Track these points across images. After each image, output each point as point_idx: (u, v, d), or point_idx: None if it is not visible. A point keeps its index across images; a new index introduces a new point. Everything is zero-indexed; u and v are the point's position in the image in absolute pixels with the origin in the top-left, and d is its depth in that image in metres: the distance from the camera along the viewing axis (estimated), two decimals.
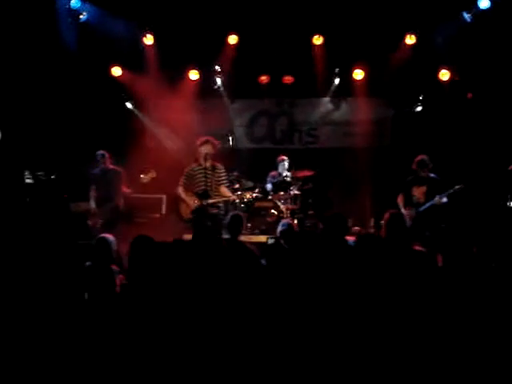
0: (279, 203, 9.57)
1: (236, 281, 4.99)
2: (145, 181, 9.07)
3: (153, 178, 9.14)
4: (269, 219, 9.46)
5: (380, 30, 10.09)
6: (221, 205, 8.33)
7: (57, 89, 10.07)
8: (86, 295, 5.51)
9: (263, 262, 5.61)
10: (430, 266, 5.06)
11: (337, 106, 11.89)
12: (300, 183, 9.94)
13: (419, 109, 11.17)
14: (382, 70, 10.73)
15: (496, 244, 7.28)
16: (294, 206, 9.70)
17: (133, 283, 4.88)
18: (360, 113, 11.63)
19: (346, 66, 11.01)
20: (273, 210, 9.50)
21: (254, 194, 8.57)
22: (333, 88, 11.52)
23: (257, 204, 9.55)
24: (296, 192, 9.70)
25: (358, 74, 10.94)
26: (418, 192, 8.48)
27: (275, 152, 10.86)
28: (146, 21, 10.15)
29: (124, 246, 6.12)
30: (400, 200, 8.64)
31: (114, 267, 5.68)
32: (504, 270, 5.32)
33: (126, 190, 9.18)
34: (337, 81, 11.34)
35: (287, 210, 9.56)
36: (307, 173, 10.03)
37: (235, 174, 9.91)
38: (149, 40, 10.40)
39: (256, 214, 9.50)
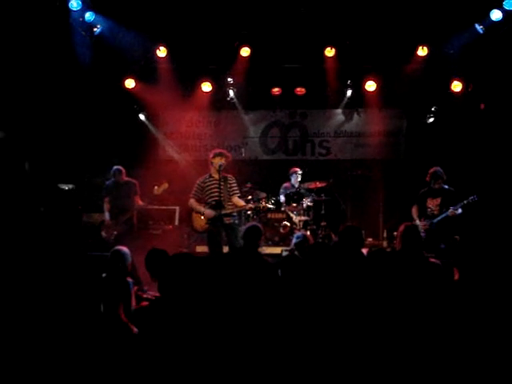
0: (292, 214, 9.60)
1: (254, 293, 5.01)
2: (157, 192, 9.11)
3: (165, 190, 9.17)
4: (282, 231, 9.48)
5: (392, 41, 10.10)
6: (235, 214, 8.35)
7: (71, 101, 10.14)
8: (102, 307, 5.54)
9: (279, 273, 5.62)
10: (446, 279, 5.05)
11: (349, 118, 11.93)
12: (313, 194, 9.96)
13: (431, 120, 11.19)
14: (394, 81, 10.77)
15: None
16: (307, 218, 9.71)
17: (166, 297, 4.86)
18: (372, 124, 11.67)
19: (358, 78, 11.05)
20: (286, 222, 9.52)
21: (269, 205, 8.58)
22: (345, 99, 11.57)
23: (270, 215, 9.59)
24: (309, 203, 9.71)
25: (370, 86, 10.96)
26: (432, 204, 8.46)
27: (288, 163, 10.91)
28: (159, 33, 10.20)
29: (138, 257, 6.16)
30: (414, 212, 8.62)
31: (129, 279, 5.71)
32: None
33: (140, 202, 9.17)
34: (349, 92, 11.39)
35: (300, 221, 9.58)
36: (320, 184, 10.04)
37: (248, 185, 9.95)
38: (162, 52, 10.45)
39: (269, 226, 9.54)
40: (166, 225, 10.32)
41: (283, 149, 12.16)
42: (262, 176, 11.20)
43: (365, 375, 4.39)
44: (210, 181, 8.22)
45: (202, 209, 8.12)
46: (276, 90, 11.52)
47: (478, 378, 4.31)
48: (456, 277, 5.05)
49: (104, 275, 5.76)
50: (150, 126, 11.72)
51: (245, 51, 10.37)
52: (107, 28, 9.75)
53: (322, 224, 9.89)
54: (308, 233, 8.98)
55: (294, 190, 10.03)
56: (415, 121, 11.55)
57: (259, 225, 6.17)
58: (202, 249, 9.05)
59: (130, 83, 10.86)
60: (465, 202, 8.11)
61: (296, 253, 6.17)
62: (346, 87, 11.31)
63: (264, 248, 8.33)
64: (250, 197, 9.49)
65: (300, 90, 11.45)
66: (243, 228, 6.33)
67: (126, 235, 8.63)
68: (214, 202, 8.03)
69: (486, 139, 10.16)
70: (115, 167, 9.20)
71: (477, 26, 9.55)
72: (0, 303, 5.93)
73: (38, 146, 9.68)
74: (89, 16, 9.45)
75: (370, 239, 10.34)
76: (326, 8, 9.65)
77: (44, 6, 8.66)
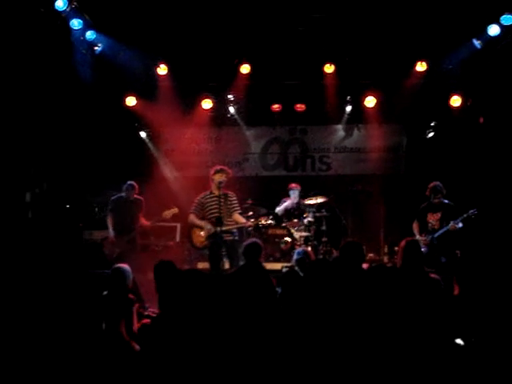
0: (293, 230, 9.58)
1: (255, 310, 5.01)
2: (167, 217, 9.08)
3: (175, 215, 9.12)
4: (283, 247, 9.46)
5: (391, 57, 10.16)
6: (235, 231, 8.34)
7: (72, 119, 10.19)
8: (104, 325, 5.54)
9: (278, 290, 5.62)
10: (445, 295, 5.05)
11: (349, 133, 11.96)
12: (313, 210, 9.95)
13: (431, 135, 11.23)
14: (393, 96, 10.81)
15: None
16: (308, 233, 9.69)
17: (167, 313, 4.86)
18: (372, 140, 11.70)
19: (358, 94, 11.09)
20: (286, 238, 9.50)
21: (269, 221, 8.58)
22: (345, 115, 11.61)
23: (270, 231, 9.57)
24: (310, 219, 9.70)
25: (370, 102, 11.01)
26: (432, 218, 8.48)
27: (288, 179, 10.90)
28: (159, 51, 10.27)
29: (139, 274, 6.17)
30: (415, 227, 8.65)
31: (131, 296, 5.71)
32: None
33: (144, 221, 9.13)
34: (349, 108, 11.43)
35: (301, 237, 9.56)
36: (320, 200, 10.03)
37: (249, 201, 9.95)
38: (162, 70, 10.50)
39: (270, 242, 9.51)
40: (168, 241, 10.33)
41: (283, 165, 12.19)
42: (263, 192, 11.21)
43: None
44: (210, 197, 8.24)
45: (202, 223, 8.12)
46: (276, 107, 11.57)
47: None
48: (456, 292, 5.05)
49: (105, 293, 5.77)
50: (150, 144, 11.74)
51: (245, 68, 10.43)
52: (108, 46, 9.81)
53: (323, 240, 9.86)
54: (309, 249, 8.97)
55: (294, 205, 10.03)
56: (415, 136, 11.60)
57: (259, 241, 6.18)
58: (203, 265, 9.02)
59: (130, 101, 10.90)
60: (465, 215, 8.14)
61: (296, 269, 6.18)
62: (346, 103, 11.34)
63: (264, 264, 8.33)
64: (250, 213, 9.49)
65: (300, 107, 11.50)
66: (243, 245, 6.34)
67: (129, 253, 8.60)
68: (214, 219, 8.04)
69: (486, 153, 10.19)
70: (128, 182, 9.14)
71: (475, 41, 9.61)
72: (3, 321, 5.94)
73: (40, 163, 9.72)
74: (90, 35, 9.51)
75: (371, 254, 10.32)
76: (325, 24, 9.71)
77: (45, 25, 8.72)
